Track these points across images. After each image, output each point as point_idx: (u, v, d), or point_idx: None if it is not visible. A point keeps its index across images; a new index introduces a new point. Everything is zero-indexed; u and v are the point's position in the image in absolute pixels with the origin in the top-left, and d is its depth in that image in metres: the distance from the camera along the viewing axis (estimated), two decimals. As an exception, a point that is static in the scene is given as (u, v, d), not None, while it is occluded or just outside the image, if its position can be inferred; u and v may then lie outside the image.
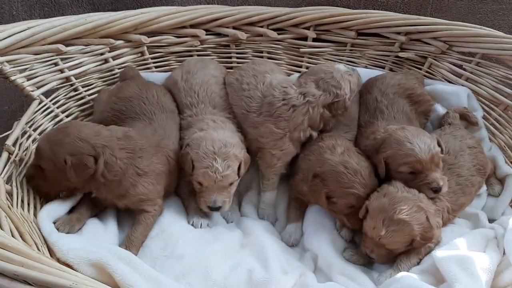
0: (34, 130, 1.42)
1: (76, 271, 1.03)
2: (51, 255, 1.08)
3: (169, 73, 1.72)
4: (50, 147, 1.19)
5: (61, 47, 1.50)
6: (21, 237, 1.01)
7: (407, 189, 1.27)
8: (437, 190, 1.29)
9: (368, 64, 1.86)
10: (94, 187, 1.25)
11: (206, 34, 1.78)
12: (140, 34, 1.67)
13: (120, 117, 1.47)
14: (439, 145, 1.34)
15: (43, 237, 1.12)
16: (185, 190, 1.46)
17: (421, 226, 1.21)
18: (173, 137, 1.46)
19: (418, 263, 1.27)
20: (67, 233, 1.20)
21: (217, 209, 1.36)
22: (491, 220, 1.44)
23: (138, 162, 1.28)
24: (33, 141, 1.39)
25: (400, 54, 1.82)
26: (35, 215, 1.22)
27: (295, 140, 1.47)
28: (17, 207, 1.16)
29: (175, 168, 1.42)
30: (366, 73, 1.73)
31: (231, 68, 1.76)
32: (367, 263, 1.34)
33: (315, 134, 1.47)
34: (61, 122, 1.50)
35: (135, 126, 1.41)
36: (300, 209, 1.49)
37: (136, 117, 1.45)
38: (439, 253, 1.19)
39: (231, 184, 1.36)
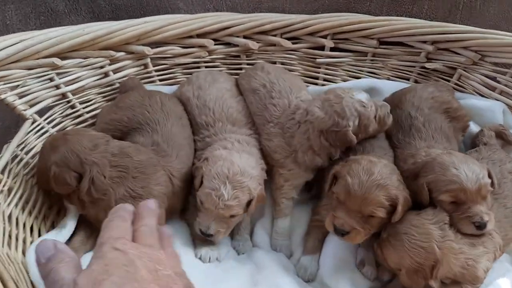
0: (26, 153, 1.28)
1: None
2: (40, 304, 0.95)
3: (175, 86, 1.59)
4: (49, 149, 1.14)
5: (57, 61, 1.37)
6: (4, 286, 0.88)
7: (441, 226, 1.10)
8: (480, 226, 1.12)
9: (391, 76, 1.71)
10: (78, 203, 1.16)
11: (215, 44, 1.64)
12: (143, 45, 1.54)
13: (121, 129, 1.34)
14: (489, 176, 1.17)
15: (31, 283, 0.99)
16: (194, 216, 1.32)
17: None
18: (178, 150, 1.31)
19: None
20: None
21: (208, 235, 1.22)
22: (533, 253, 1.28)
23: (131, 182, 1.16)
24: (24, 165, 1.26)
25: (427, 65, 1.66)
26: (24, 252, 1.09)
27: (300, 163, 1.33)
28: (2, 246, 1.03)
29: (181, 188, 1.28)
30: (390, 86, 1.60)
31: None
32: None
33: (321, 161, 1.32)
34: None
35: (136, 140, 1.29)
36: (320, 239, 1.34)
37: (139, 128, 1.32)
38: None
39: (232, 216, 1.22)
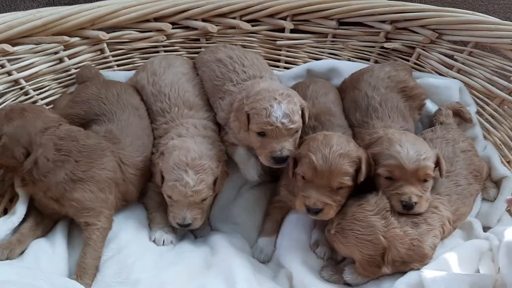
0: (-22, 140, 1.27)
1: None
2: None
3: (133, 71, 1.57)
4: (3, 118, 1.14)
5: (7, 47, 1.35)
6: None
7: (383, 214, 1.12)
8: (407, 206, 1.12)
9: (352, 56, 1.71)
10: (19, 178, 1.18)
11: (173, 28, 1.62)
12: (98, 29, 1.52)
13: (79, 122, 1.32)
14: (437, 163, 1.18)
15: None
16: (153, 200, 1.32)
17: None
18: (133, 138, 1.30)
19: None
20: (6, 259, 1.07)
21: (187, 226, 1.23)
22: (485, 228, 1.30)
23: (73, 166, 1.15)
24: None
25: (386, 45, 1.66)
26: (-29, 238, 1.08)
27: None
28: None
29: (134, 175, 1.28)
30: (350, 66, 1.59)
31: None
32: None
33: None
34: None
35: (92, 129, 1.28)
36: (279, 221, 1.35)
37: (96, 119, 1.32)
38: (427, 273, 1.05)
39: (204, 200, 1.23)
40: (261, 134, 1.19)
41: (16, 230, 1.16)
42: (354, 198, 1.16)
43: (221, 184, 1.26)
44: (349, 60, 1.69)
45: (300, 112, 1.21)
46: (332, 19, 1.66)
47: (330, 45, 1.71)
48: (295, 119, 1.18)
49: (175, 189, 1.17)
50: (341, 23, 1.67)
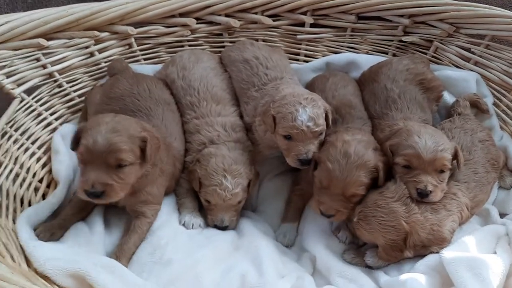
0: (16, 130, 1.34)
1: (54, 283, 0.97)
2: (28, 266, 1.01)
3: (160, 65, 1.63)
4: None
5: (42, 41, 1.42)
6: (-7, 249, 0.94)
7: (404, 201, 1.16)
8: (422, 194, 1.17)
9: (370, 50, 1.75)
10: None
11: (197, 23, 1.68)
12: (127, 25, 1.58)
13: None
14: (455, 156, 1.23)
15: (21, 246, 1.06)
16: (183, 187, 1.39)
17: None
18: (176, 133, 1.38)
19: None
20: (48, 240, 1.14)
21: (224, 228, 1.31)
22: (502, 215, 1.34)
23: (161, 159, 1.23)
24: (14, 142, 1.32)
25: (404, 38, 1.71)
26: (14, 220, 1.15)
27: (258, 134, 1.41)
28: (-6, 214, 1.10)
29: (179, 170, 1.37)
30: (369, 60, 1.64)
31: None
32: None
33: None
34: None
35: None
36: (300, 208, 1.41)
37: (133, 115, 1.34)
38: (447, 254, 1.11)
39: (239, 202, 1.32)
40: (287, 137, 1.25)
41: (57, 213, 1.23)
42: (375, 190, 1.21)
43: (254, 186, 1.35)
44: (367, 53, 1.73)
45: (324, 115, 1.27)
46: (351, 14, 1.70)
47: (349, 39, 1.76)
48: (319, 122, 1.24)
49: (215, 193, 1.27)
50: (360, 18, 1.72)
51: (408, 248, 1.16)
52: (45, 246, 1.08)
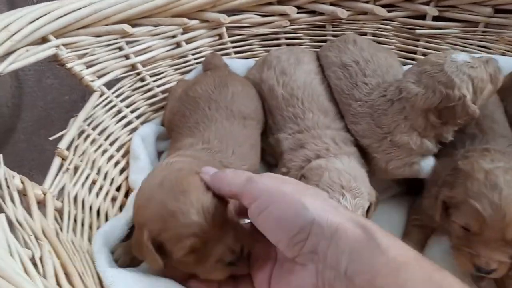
0: (94, 128, 1.17)
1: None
2: (106, 302, 0.81)
3: (252, 60, 1.41)
4: None
5: (127, 27, 1.24)
6: (68, 282, 0.75)
7: None
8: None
9: (507, 50, 1.42)
10: None
11: (298, 12, 1.44)
12: (219, 12, 1.37)
13: (178, 124, 1.16)
14: None
15: (97, 274, 0.86)
16: None
17: None
18: (235, 147, 1.10)
19: None
20: (127, 266, 0.94)
21: None
22: None
23: None
24: (91, 142, 1.14)
25: (556, 38, 1.37)
26: (90, 239, 0.97)
27: (401, 145, 1.11)
28: (67, 232, 0.91)
29: None
30: (505, 62, 1.31)
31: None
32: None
33: (431, 145, 1.10)
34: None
35: (185, 142, 1.09)
36: (422, 243, 1.13)
37: (192, 126, 1.12)
38: None
39: None
40: None
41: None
42: None
43: (374, 211, 1.05)
44: (503, 54, 1.41)
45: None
46: (486, 5, 1.39)
47: (481, 36, 1.44)
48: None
49: None
50: (498, 10, 1.40)
51: None
52: (125, 276, 0.86)
